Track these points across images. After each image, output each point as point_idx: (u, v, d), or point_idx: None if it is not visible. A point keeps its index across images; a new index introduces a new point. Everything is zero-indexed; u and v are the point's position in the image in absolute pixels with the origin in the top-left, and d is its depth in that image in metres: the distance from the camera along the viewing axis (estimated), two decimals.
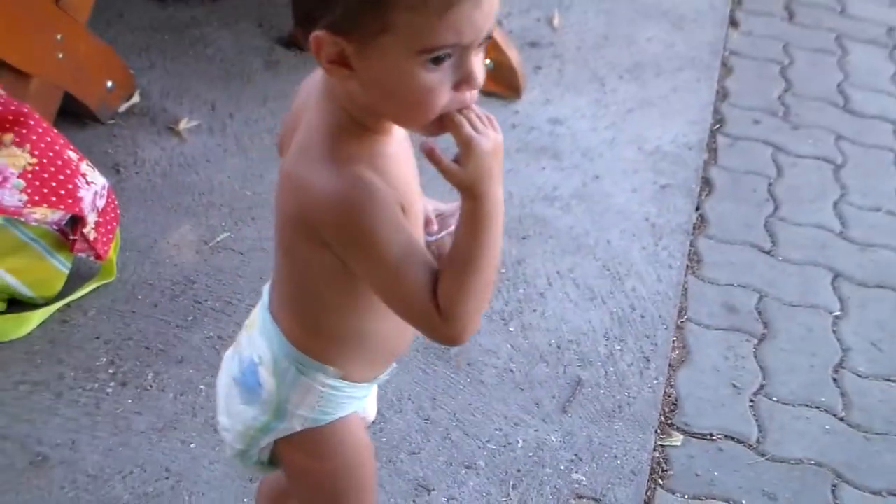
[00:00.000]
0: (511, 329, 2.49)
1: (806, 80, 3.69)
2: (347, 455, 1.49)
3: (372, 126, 1.24)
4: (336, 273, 1.28)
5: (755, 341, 2.59)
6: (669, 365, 2.48)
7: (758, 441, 2.32)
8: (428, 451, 2.16)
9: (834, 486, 2.24)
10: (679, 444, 2.30)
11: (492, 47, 3.10)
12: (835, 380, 2.51)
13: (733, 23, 3.91)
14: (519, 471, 2.15)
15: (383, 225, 1.19)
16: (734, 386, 2.45)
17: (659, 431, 2.31)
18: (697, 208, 2.99)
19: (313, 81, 1.31)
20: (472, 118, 1.19)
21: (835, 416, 2.42)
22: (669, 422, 2.36)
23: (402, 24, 1.11)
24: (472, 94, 1.18)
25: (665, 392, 2.41)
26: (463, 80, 1.16)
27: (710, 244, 2.88)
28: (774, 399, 2.43)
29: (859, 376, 2.53)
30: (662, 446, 2.29)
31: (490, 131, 1.20)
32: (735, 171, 3.17)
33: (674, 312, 2.61)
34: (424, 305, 1.22)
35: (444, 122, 1.19)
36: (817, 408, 2.43)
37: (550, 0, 3.82)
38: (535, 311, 2.55)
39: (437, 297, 1.22)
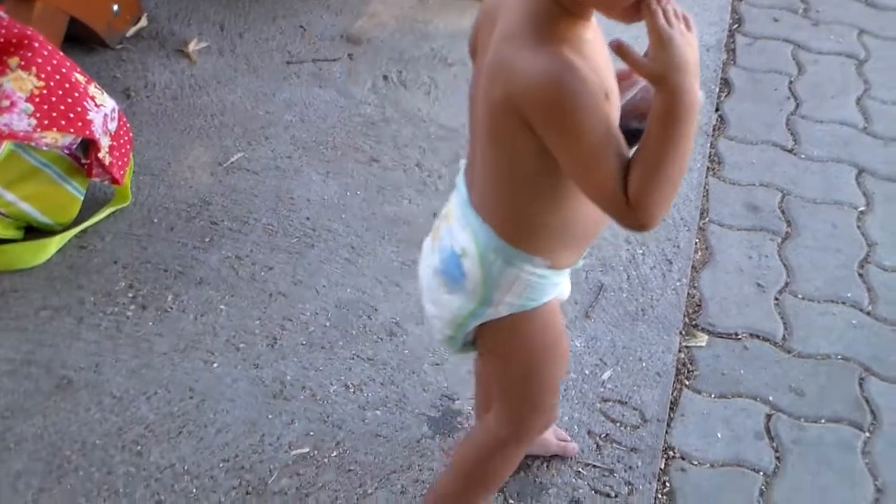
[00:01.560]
0: None
1: None
2: (548, 336, 1.55)
3: (574, 11, 1.26)
4: (546, 160, 1.30)
5: (779, 240, 2.55)
6: (692, 266, 2.45)
7: (784, 338, 2.30)
8: (452, 361, 2.15)
9: (861, 379, 2.22)
10: (704, 344, 2.28)
11: None
12: (860, 275, 2.48)
13: None
14: None
15: (587, 108, 1.22)
16: (758, 285, 2.43)
17: (683, 333, 2.30)
18: (717, 109, 2.94)
19: None
20: (667, 10, 1.22)
21: (861, 310, 2.39)
22: (694, 323, 2.34)
23: None
24: None
25: (689, 293, 2.39)
26: None
27: (730, 145, 2.83)
28: (800, 296, 2.41)
29: (885, 270, 2.49)
30: (688, 347, 2.27)
31: (683, 27, 1.23)
32: (755, 70, 3.11)
33: (695, 214, 2.58)
34: (615, 193, 1.25)
35: (640, 10, 1.21)
36: (843, 303, 2.40)
37: None
38: None
39: (628, 184, 1.25)
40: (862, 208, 2.67)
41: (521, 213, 1.40)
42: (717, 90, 2.99)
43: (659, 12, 1.22)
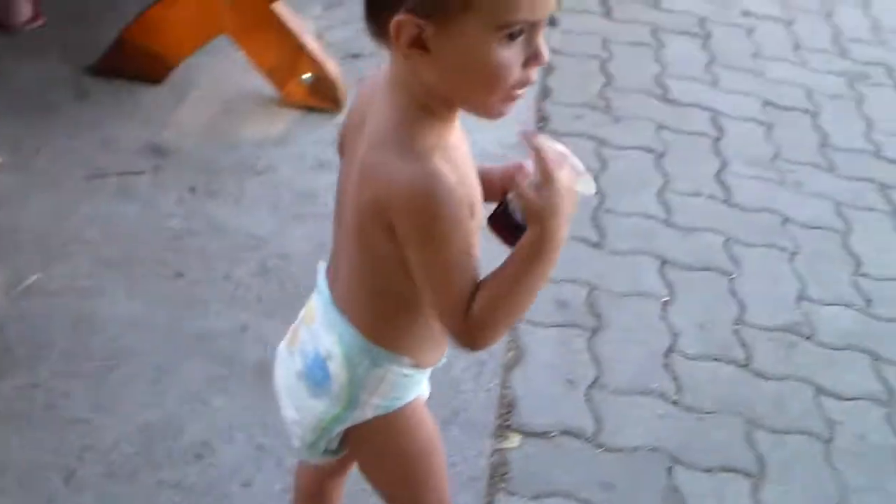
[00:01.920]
0: None
1: (625, 73, 3.76)
2: (422, 432, 1.54)
3: (442, 115, 1.29)
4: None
5: (588, 334, 2.60)
6: (504, 366, 2.47)
7: (594, 433, 2.33)
8: (261, 481, 2.10)
9: (669, 468, 2.27)
10: (517, 444, 2.29)
11: (310, 62, 3.07)
12: (666, 365, 2.54)
13: (552, 22, 3.95)
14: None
15: (449, 222, 1.24)
16: (569, 381, 2.46)
17: (496, 435, 2.30)
18: None
19: (376, 79, 1.35)
20: (555, 151, 1.26)
21: (667, 400, 2.45)
22: (507, 423, 2.35)
23: (484, 0, 1.17)
24: (535, 71, 1.25)
25: (501, 394, 2.40)
26: (532, 57, 1.22)
27: None
28: (609, 390, 2.45)
29: (688, 358, 2.57)
30: (500, 449, 2.28)
31: (567, 171, 1.26)
32: None
33: None
34: (456, 310, 1.28)
35: (529, 145, 1.26)
36: (650, 394, 2.46)
37: None
38: None
39: (472, 305, 1.27)
40: (665, 298, 2.75)
41: (387, 314, 1.41)
42: None
43: (548, 151, 1.26)
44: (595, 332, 2.61)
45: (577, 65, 3.70)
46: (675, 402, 2.44)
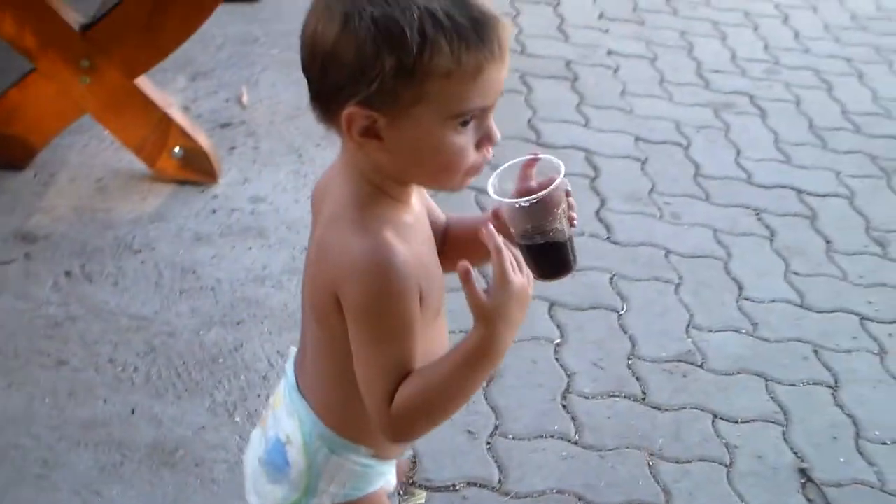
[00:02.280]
0: (237, 420, 2.39)
1: (497, 121, 3.73)
2: None
3: (395, 194, 1.30)
4: None
5: (484, 383, 2.59)
6: None
7: (500, 481, 2.32)
8: None
9: None
10: (423, 501, 2.26)
11: (179, 135, 3.02)
12: (564, 406, 2.55)
13: None
14: None
15: (393, 297, 1.24)
16: (469, 432, 2.44)
17: (402, 493, 2.27)
18: None
19: (335, 162, 1.36)
20: (513, 259, 1.24)
21: (569, 441, 2.45)
22: (412, 481, 2.31)
23: (436, 92, 1.18)
24: (490, 150, 1.28)
25: None
26: (485, 138, 1.26)
27: None
28: (510, 437, 2.44)
29: (585, 398, 2.58)
30: None
31: (525, 280, 1.25)
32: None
33: None
34: (380, 393, 1.26)
35: (488, 244, 1.24)
36: (552, 436, 2.45)
37: (237, 78, 3.77)
38: (259, 395, 2.45)
39: (398, 394, 1.25)
40: (557, 340, 2.76)
41: (345, 401, 1.37)
42: None
43: (506, 256, 1.23)
44: (492, 379, 2.60)
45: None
46: (576, 443, 2.45)
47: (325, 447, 1.41)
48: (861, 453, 2.56)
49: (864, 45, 4.80)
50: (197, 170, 3.14)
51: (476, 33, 1.19)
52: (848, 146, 3.97)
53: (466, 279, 1.22)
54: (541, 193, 1.31)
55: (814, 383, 2.78)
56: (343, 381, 1.35)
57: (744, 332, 2.93)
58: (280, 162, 3.34)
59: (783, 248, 3.32)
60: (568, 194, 1.35)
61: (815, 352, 2.89)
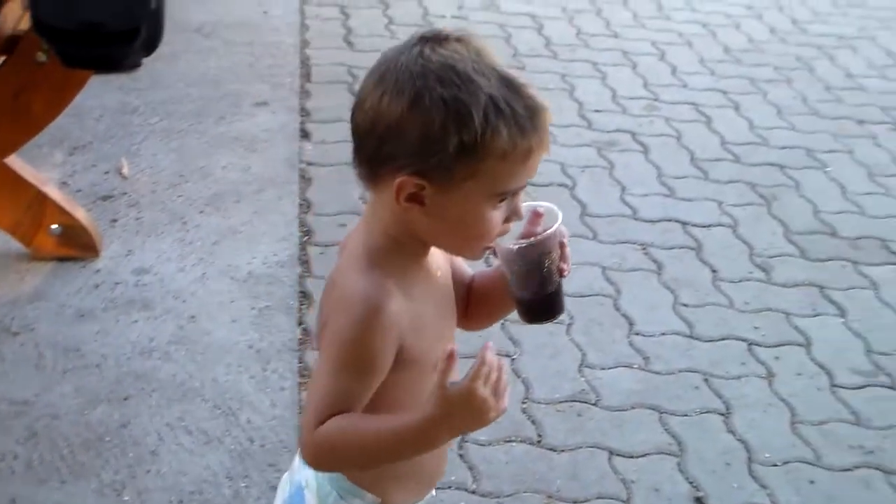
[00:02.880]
0: (126, 498, 2.34)
1: None
2: None
3: (412, 250, 1.36)
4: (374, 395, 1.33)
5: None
6: None
7: None
8: None
9: None
10: None
11: (56, 212, 2.97)
12: (461, 455, 2.54)
13: (305, 135, 3.98)
14: None
15: (361, 338, 1.29)
16: None
17: None
18: (300, 323, 2.97)
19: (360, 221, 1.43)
20: (494, 373, 1.25)
21: (467, 490, 2.44)
22: None
23: (488, 170, 1.27)
24: (511, 225, 1.35)
25: None
26: (513, 214, 1.34)
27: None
28: None
29: (481, 445, 2.58)
30: None
31: (492, 401, 1.25)
32: None
33: (294, 433, 2.55)
34: (314, 415, 1.30)
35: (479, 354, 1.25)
36: (449, 487, 2.44)
37: (116, 150, 3.72)
38: (149, 471, 2.41)
39: (330, 421, 1.28)
40: None
41: None
42: (298, 304, 3.04)
43: (485, 369, 1.24)
44: None
45: (335, 173, 3.71)
46: (474, 491, 2.44)
47: (335, 491, 1.44)
48: (753, 477, 2.60)
49: (739, 77, 4.93)
50: (77, 245, 3.09)
51: (531, 121, 1.28)
52: (728, 176, 4.07)
53: (445, 364, 1.25)
54: (532, 239, 1.38)
55: (706, 412, 2.82)
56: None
57: (636, 366, 2.97)
58: (164, 231, 3.30)
59: (671, 281, 3.38)
60: (563, 245, 1.42)
61: (706, 380, 2.93)
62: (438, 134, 1.25)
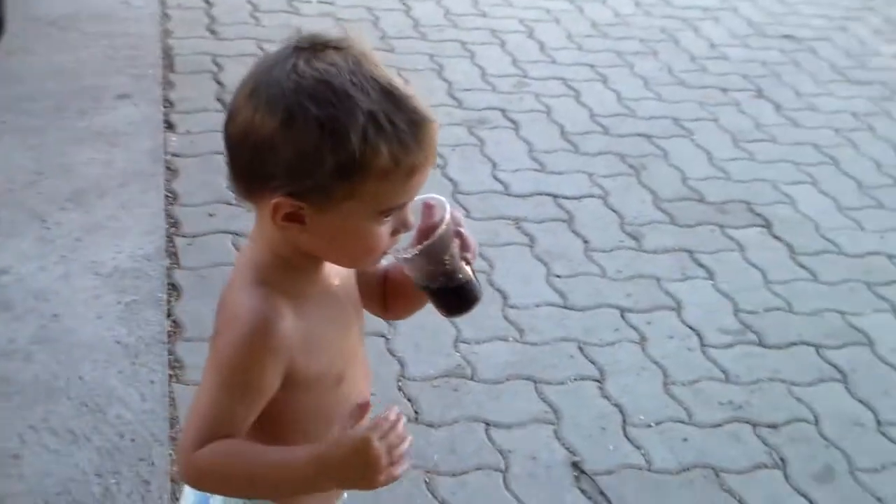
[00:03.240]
0: None
1: None
2: None
3: (303, 267, 1.31)
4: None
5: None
6: (172, 480, 2.37)
7: None
8: None
9: None
10: None
11: None
12: None
13: (170, 126, 3.89)
14: None
15: (246, 355, 1.25)
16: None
17: None
18: (170, 315, 2.91)
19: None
20: (395, 433, 1.21)
21: None
22: None
23: (369, 190, 1.21)
24: (401, 236, 1.31)
25: None
26: (401, 226, 1.29)
27: (190, 347, 2.80)
28: None
29: None
30: None
31: (385, 460, 1.20)
32: (200, 268, 3.13)
33: (165, 426, 2.50)
34: (192, 436, 1.26)
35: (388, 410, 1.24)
36: None
37: None
38: (10, 476, 2.33)
39: (215, 444, 1.24)
40: None
41: None
42: (167, 296, 2.97)
43: (386, 425, 1.21)
44: None
45: (201, 164, 3.64)
46: None
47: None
48: (629, 439, 2.64)
49: (606, 51, 4.99)
50: None
51: (414, 136, 1.22)
52: (598, 148, 4.12)
53: (356, 412, 1.25)
54: (419, 247, 1.32)
55: (581, 379, 2.85)
56: (252, 434, 1.36)
57: (511, 339, 2.98)
58: (23, 230, 3.19)
59: (543, 253, 3.40)
60: (461, 235, 1.37)
61: (580, 348, 2.97)
62: (313, 155, 1.19)
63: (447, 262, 1.35)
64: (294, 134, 1.19)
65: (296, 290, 1.30)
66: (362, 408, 1.26)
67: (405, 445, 1.23)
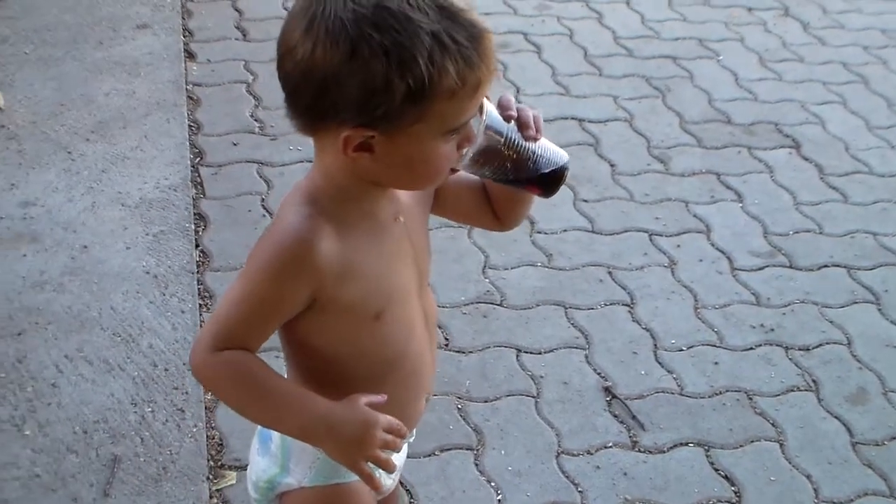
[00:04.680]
0: (27, 433, 2.28)
1: (272, 91, 3.69)
2: None
3: (355, 193, 1.30)
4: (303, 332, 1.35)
5: None
6: (206, 408, 2.38)
7: None
8: None
9: None
10: (234, 481, 2.22)
11: None
12: None
13: (190, 55, 3.86)
14: None
15: (270, 272, 1.27)
16: None
17: (212, 477, 2.22)
18: (197, 245, 2.90)
19: None
20: (396, 439, 1.29)
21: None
22: (220, 463, 2.27)
23: (437, 111, 1.21)
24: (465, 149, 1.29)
25: (208, 435, 2.32)
26: (465, 140, 1.28)
27: (218, 276, 2.80)
28: None
29: None
30: (219, 490, 2.19)
31: (379, 442, 1.27)
32: (226, 197, 3.12)
33: None
34: (210, 333, 1.30)
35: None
36: None
37: None
38: (49, 404, 2.35)
39: (234, 352, 1.28)
40: None
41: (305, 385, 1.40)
42: (194, 227, 2.96)
43: (393, 424, 1.28)
44: None
45: (223, 93, 3.61)
46: None
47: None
48: (660, 363, 2.63)
49: None
50: None
51: (476, 51, 1.20)
52: (622, 71, 4.06)
53: (377, 399, 1.30)
54: (471, 153, 1.30)
55: (611, 304, 2.84)
56: (298, 370, 1.42)
57: (539, 264, 2.97)
58: (49, 162, 3.18)
59: (570, 178, 3.29)
60: (511, 117, 1.32)
61: (610, 273, 2.95)
62: (382, 85, 1.17)
63: (507, 152, 1.32)
64: (360, 65, 1.17)
65: (344, 217, 1.30)
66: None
67: (391, 456, 1.34)
